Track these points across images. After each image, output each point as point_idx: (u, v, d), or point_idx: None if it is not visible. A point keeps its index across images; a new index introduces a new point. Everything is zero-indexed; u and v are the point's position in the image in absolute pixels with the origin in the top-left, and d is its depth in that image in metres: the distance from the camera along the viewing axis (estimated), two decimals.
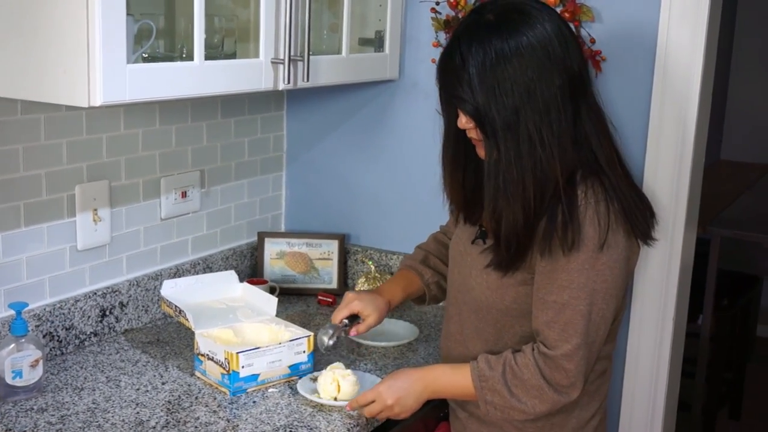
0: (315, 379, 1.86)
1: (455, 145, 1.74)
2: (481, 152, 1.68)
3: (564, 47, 1.60)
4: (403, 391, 1.73)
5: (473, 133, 1.66)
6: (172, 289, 2.06)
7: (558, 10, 2.14)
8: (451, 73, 1.63)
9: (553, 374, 1.63)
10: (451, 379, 1.73)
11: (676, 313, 2.21)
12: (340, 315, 1.92)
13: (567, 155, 1.60)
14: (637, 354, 2.24)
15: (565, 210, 1.59)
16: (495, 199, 1.63)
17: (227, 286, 2.14)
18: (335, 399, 1.82)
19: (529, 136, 1.57)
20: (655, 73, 2.10)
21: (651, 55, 2.10)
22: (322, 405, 1.82)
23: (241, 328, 1.98)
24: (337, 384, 1.82)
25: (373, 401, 1.75)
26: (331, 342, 1.89)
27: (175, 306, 2.00)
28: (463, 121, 1.65)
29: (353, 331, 1.92)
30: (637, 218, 1.66)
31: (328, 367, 1.85)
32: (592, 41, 2.13)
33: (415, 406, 1.75)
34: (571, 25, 2.13)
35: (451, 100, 1.67)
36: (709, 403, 3.84)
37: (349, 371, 1.84)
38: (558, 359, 1.62)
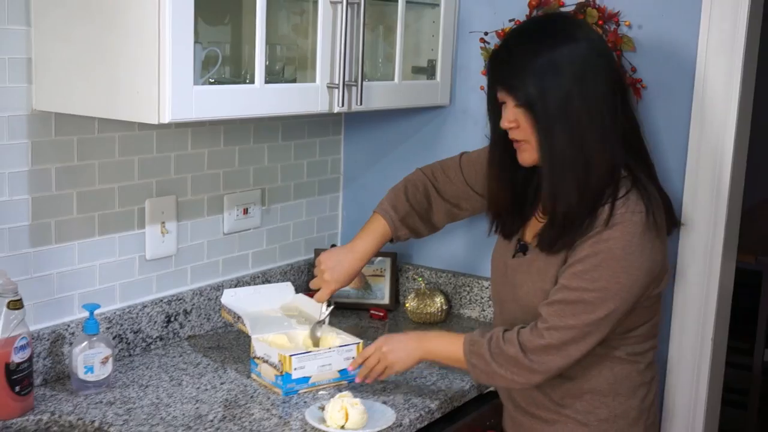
0: (323, 408, 1.85)
1: (503, 145, 1.83)
2: (523, 156, 1.79)
3: (609, 52, 1.78)
4: (399, 342, 1.93)
5: (516, 134, 1.76)
6: (231, 298, 2.20)
7: None
8: (500, 65, 1.76)
9: (531, 338, 1.73)
10: (444, 341, 1.91)
11: (714, 337, 2.24)
12: (324, 296, 2.10)
13: (615, 146, 1.73)
14: (676, 384, 2.28)
15: (605, 213, 1.70)
16: (551, 176, 1.73)
17: (284, 296, 2.27)
18: (342, 428, 1.79)
19: (578, 120, 1.69)
20: (693, 99, 2.18)
21: (690, 83, 2.18)
22: None
23: (295, 335, 2.10)
24: (345, 412, 1.79)
25: (371, 354, 1.93)
26: (319, 334, 2.09)
27: (234, 313, 2.14)
28: (510, 118, 1.75)
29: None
30: (664, 222, 1.77)
31: (337, 395, 1.83)
32: (633, 70, 2.23)
33: (407, 359, 1.91)
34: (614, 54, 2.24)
35: (502, 91, 1.75)
36: None
37: (357, 400, 1.82)
38: (542, 329, 1.72)
